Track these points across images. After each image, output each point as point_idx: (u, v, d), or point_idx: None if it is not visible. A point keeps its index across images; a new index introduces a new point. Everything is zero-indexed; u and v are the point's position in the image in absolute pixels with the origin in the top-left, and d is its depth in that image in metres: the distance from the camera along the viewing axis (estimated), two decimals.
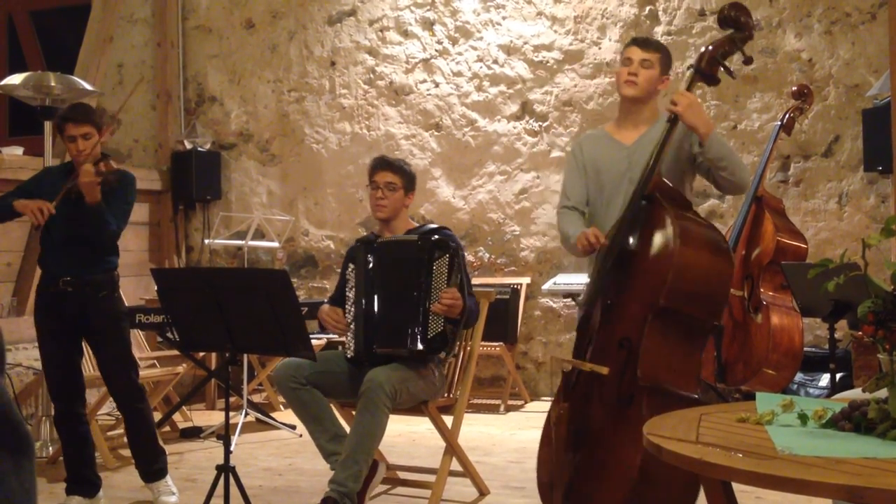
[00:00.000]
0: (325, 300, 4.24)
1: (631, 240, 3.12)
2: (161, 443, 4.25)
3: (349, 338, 3.86)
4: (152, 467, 4.14)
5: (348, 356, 3.85)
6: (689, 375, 3.01)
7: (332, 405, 3.89)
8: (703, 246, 3.02)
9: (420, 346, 3.75)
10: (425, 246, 3.82)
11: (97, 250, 4.03)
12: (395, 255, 3.87)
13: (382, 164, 4.06)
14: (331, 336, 5.95)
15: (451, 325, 3.81)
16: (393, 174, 4.00)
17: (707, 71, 3.26)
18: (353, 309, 3.87)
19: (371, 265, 3.87)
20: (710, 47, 3.29)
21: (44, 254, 4.09)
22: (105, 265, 4.06)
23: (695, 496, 2.91)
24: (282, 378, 3.76)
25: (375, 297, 3.85)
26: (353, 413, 4.09)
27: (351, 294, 3.90)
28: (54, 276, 4.00)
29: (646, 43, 3.48)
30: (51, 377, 4.07)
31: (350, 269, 3.94)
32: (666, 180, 3.18)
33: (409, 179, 4.04)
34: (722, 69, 3.28)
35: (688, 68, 3.32)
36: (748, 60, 3.35)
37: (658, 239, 3.04)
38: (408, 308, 3.78)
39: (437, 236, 3.88)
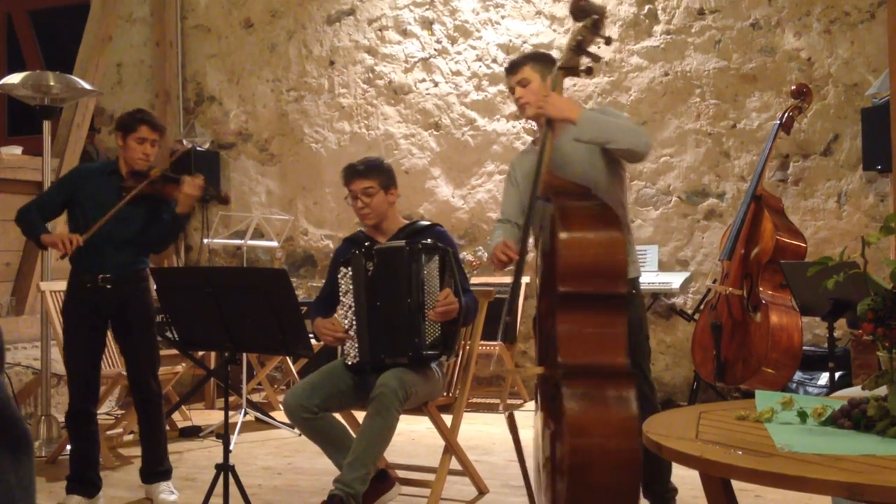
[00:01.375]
0: (314, 302, 4.20)
1: (544, 242, 3.19)
2: None
3: (349, 345, 3.83)
4: (158, 468, 4.16)
5: (349, 363, 3.82)
6: (611, 351, 2.95)
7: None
8: (581, 224, 3.00)
9: (421, 353, 3.73)
10: (414, 251, 3.77)
11: (140, 251, 4.12)
12: (388, 262, 3.81)
13: (352, 172, 3.96)
14: None
15: (451, 325, 3.80)
16: (366, 179, 3.91)
17: (568, 65, 3.31)
18: (351, 315, 3.83)
19: (370, 272, 3.82)
20: (567, 40, 3.37)
21: (80, 251, 4.09)
22: (142, 265, 4.15)
23: (638, 472, 2.79)
24: (294, 409, 3.69)
25: (377, 304, 3.80)
26: (353, 412, 4.10)
27: (347, 300, 3.86)
28: (92, 273, 4.04)
29: (512, 68, 3.59)
30: (73, 373, 4.10)
31: (343, 274, 3.87)
32: (558, 175, 3.21)
33: (385, 178, 3.96)
34: (586, 57, 3.32)
35: (557, 69, 3.38)
36: (608, 41, 3.36)
37: (551, 233, 3.07)
38: (405, 316, 3.75)
39: (428, 240, 3.85)
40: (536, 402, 3.35)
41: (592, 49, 3.34)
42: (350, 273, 3.84)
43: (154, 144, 4.13)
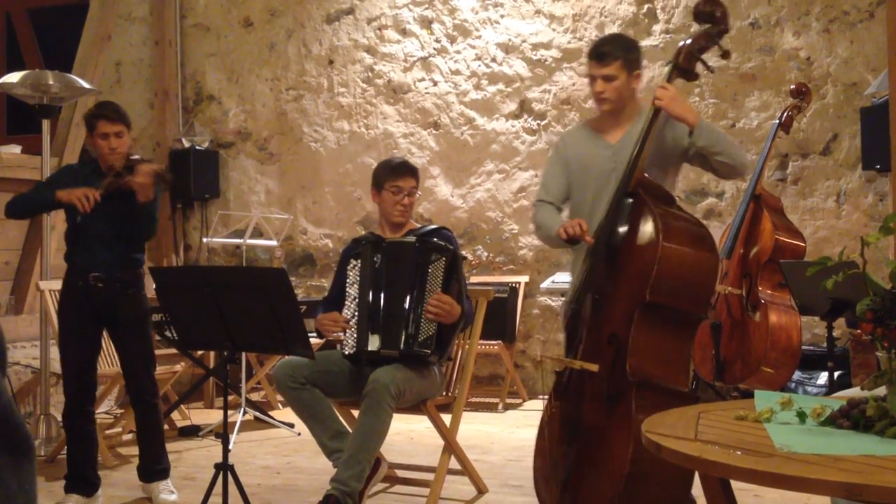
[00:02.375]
0: (321, 299, 4.21)
1: (616, 237, 3.15)
2: None
3: (348, 334, 3.85)
4: (156, 466, 4.16)
5: (346, 353, 3.84)
6: (678, 369, 3.04)
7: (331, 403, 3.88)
8: (686, 240, 3.03)
9: (412, 349, 3.74)
10: (422, 248, 3.83)
11: (130, 248, 4.09)
12: (396, 257, 3.87)
13: (407, 169, 4.03)
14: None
15: (449, 328, 3.81)
16: (415, 179, 4.03)
17: (685, 66, 3.27)
18: (354, 306, 3.86)
19: (377, 265, 3.87)
20: (688, 42, 3.29)
21: (72, 250, 4.10)
22: (134, 262, 4.13)
23: (688, 489, 2.94)
24: (281, 378, 3.75)
25: (381, 295, 3.84)
26: (352, 411, 4.10)
27: (353, 290, 3.89)
28: (84, 272, 4.03)
29: (602, 57, 3.35)
30: (68, 372, 4.10)
31: (352, 266, 3.92)
32: (647, 175, 3.20)
33: (419, 181, 4.12)
34: (700, 64, 3.29)
35: (666, 64, 3.32)
36: (726, 54, 3.33)
37: (642, 235, 3.06)
38: (403, 310, 3.78)
39: (435, 238, 3.88)
40: (554, 393, 3.30)
41: (706, 56, 3.30)
42: (359, 265, 3.89)
43: (120, 136, 4.03)
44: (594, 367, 3.04)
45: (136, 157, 4.06)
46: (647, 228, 3.03)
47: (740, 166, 3.31)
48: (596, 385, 3.08)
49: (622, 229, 3.13)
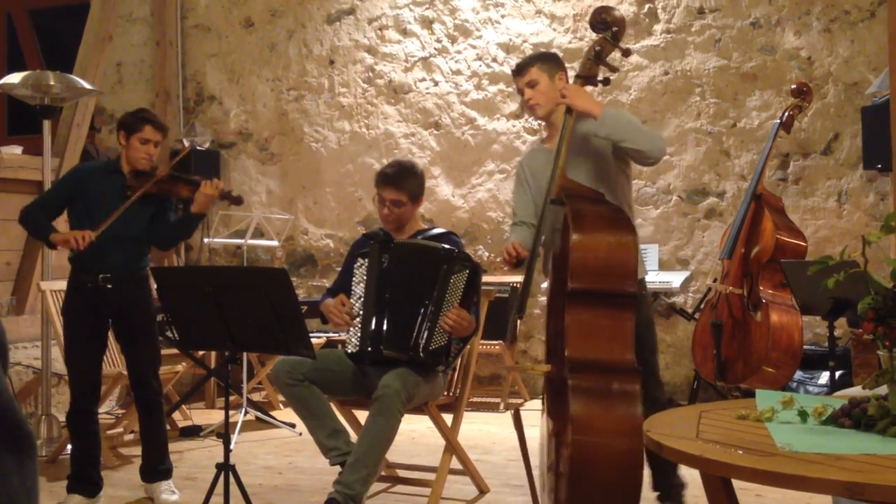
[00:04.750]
0: (325, 291, 4.20)
1: (554, 246, 3.25)
2: None
3: (352, 332, 3.83)
4: (159, 467, 4.17)
5: (349, 351, 3.82)
6: (618, 344, 3.00)
7: (331, 403, 3.88)
8: (595, 223, 3.07)
9: (421, 356, 3.73)
10: (447, 257, 3.78)
11: (141, 250, 4.14)
12: (413, 259, 3.82)
13: (387, 179, 3.92)
14: (331, 335, 5.95)
15: (459, 341, 3.80)
16: (397, 191, 3.89)
17: (586, 73, 3.42)
18: (358, 304, 3.84)
19: (385, 264, 3.82)
20: (586, 51, 3.46)
21: (79, 250, 4.08)
22: (142, 263, 4.16)
23: (639, 469, 2.82)
24: (279, 374, 3.74)
25: (387, 296, 3.80)
26: (354, 411, 4.10)
27: (358, 289, 3.86)
28: (93, 273, 4.03)
29: (520, 69, 3.62)
30: (74, 372, 4.10)
31: (359, 264, 3.89)
32: (571, 178, 3.28)
33: (415, 191, 3.95)
34: (604, 67, 3.43)
35: (575, 77, 3.45)
36: (626, 53, 3.47)
37: (565, 237, 3.11)
38: (416, 315, 3.75)
39: (455, 250, 3.84)
40: (543, 404, 3.36)
41: (610, 59, 3.42)
42: (366, 264, 3.86)
43: (157, 145, 4.12)
44: (545, 368, 3.13)
45: (155, 166, 4.15)
46: (566, 227, 3.07)
47: (650, 151, 3.32)
48: (554, 386, 3.12)
49: (558, 236, 3.20)
